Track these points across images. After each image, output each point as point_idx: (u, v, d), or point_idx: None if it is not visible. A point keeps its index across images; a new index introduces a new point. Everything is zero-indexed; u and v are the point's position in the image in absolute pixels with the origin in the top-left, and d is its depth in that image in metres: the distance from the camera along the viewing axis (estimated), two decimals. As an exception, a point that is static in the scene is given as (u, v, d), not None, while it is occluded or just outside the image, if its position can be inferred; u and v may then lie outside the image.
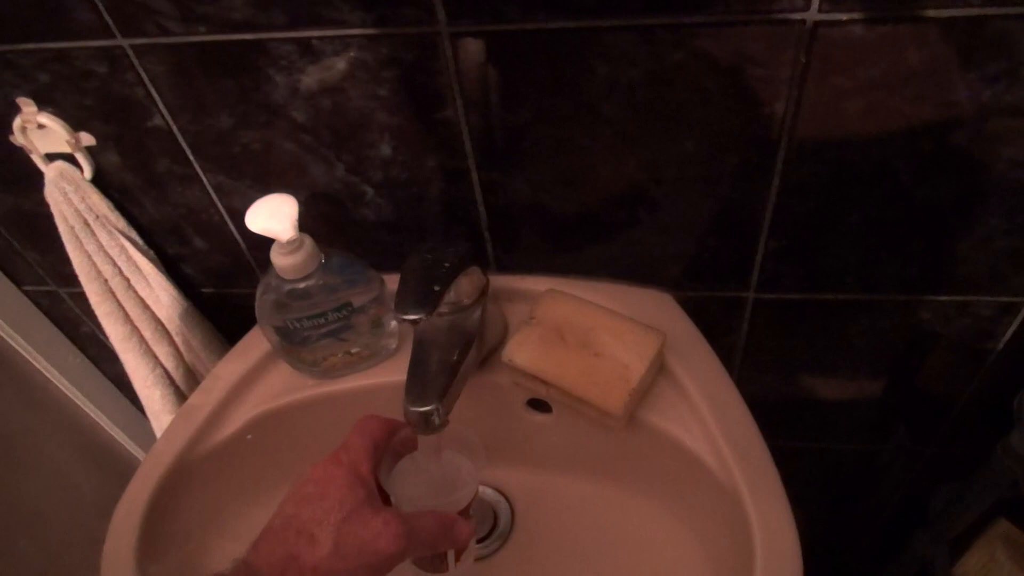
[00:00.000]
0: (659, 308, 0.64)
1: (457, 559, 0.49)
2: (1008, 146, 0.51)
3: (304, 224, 0.56)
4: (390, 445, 0.49)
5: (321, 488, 0.42)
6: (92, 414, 0.91)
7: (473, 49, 0.50)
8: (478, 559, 0.66)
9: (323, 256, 0.57)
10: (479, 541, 0.67)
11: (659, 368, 0.60)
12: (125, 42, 0.54)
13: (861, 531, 1.03)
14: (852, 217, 0.58)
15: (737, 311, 0.68)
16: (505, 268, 0.67)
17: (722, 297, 0.67)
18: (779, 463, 0.55)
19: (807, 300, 0.66)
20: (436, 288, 0.48)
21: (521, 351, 0.59)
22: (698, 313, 0.65)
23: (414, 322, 0.47)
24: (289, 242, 0.54)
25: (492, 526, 0.68)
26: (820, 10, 0.45)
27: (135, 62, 0.55)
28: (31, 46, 0.55)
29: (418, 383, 0.53)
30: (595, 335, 0.59)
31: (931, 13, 0.44)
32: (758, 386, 0.77)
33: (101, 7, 0.51)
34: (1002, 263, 0.60)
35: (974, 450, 0.79)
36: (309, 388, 0.65)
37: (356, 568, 0.40)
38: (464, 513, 0.49)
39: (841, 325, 0.68)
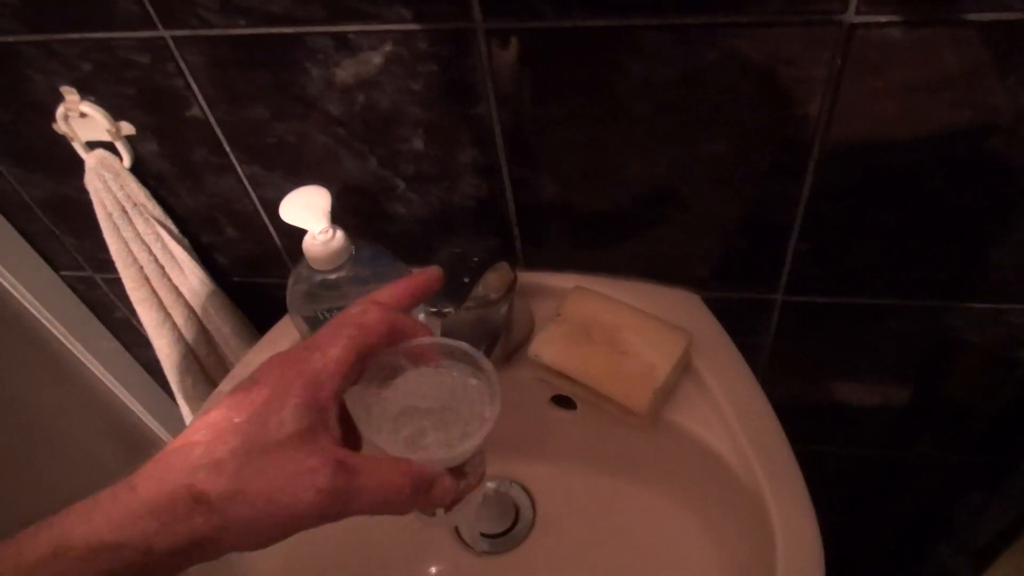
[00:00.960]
0: (686, 308, 0.64)
1: (447, 508, 0.40)
2: (1046, 152, 0.50)
3: (336, 216, 0.57)
4: (386, 354, 0.38)
5: (259, 400, 0.33)
6: (123, 398, 0.93)
7: (508, 46, 0.51)
8: (498, 553, 0.67)
9: (354, 248, 0.58)
10: (500, 535, 0.67)
11: (685, 368, 0.60)
12: (166, 33, 0.55)
13: (884, 539, 1.02)
14: (884, 221, 0.57)
15: (765, 313, 0.68)
16: (533, 264, 0.68)
17: (750, 299, 0.67)
18: (802, 467, 0.54)
19: (836, 303, 0.65)
20: (465, 281, 0.49)
21: (547, 347, 0.59)
22: (725, 314, 0.65)
23: (442, 315, 0.48)
24: (321, 233, 0.55)
25: (514, 520, 0.68)
26: (857, 12, 0.44)
27: (175, 53, 0.56)
28: (75, 36, 0.56)
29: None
30: (621, 333, 0.59)
31: (971, 17, 0.44)
32: (784, 388, 0.77)
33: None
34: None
35: (1002, 460, 0.78)
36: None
37: (260, 518, 0.31)
38: (458, 469, 0.38)
39: (870, 329, 0.68)
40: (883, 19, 0.44)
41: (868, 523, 1.00)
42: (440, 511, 0.39)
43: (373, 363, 0.37)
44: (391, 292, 0.39)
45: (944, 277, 0.61)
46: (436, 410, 0.38)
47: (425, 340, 0.38)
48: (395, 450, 0.36)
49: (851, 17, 0.45)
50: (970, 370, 0.71)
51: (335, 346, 0.35)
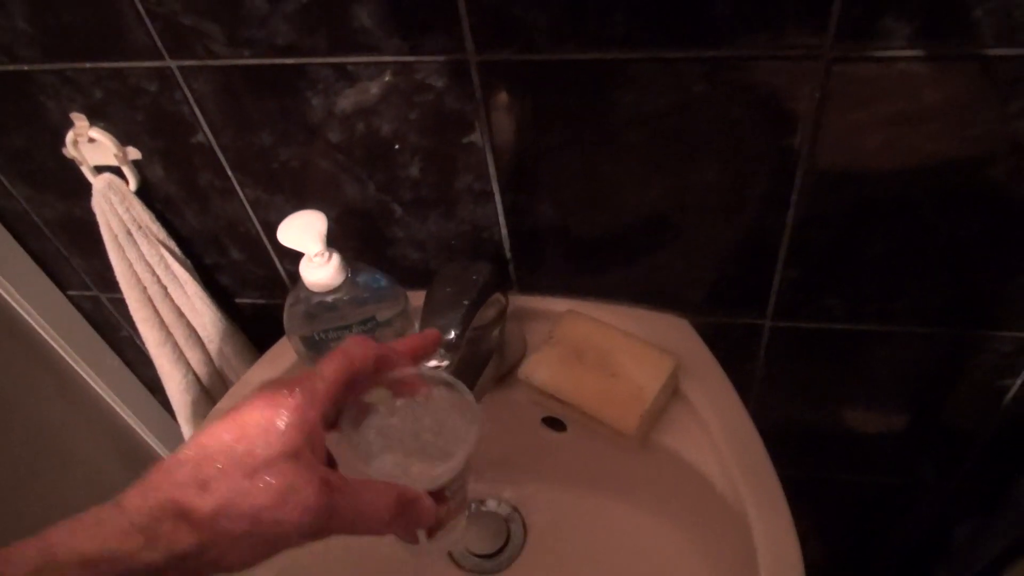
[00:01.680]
0: (676, 333, 0.65)
1: (430, 535, 0.41)
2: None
3: (335, 239, 0.58)
4: (373, 383, 0.40)
5: (249, 421, 0.34)
6: (126, 416, 0.94)
7: (500, 78, 0.53)
8: (489, 573, 0.67)
9: (350, 271, 0.59)
10: (491, 556, 0.68)
11: (673, 391, 0.61)
12: (174, 63, 0.57)
13: (881, 565, 1.02)
14: (872, 249, 0.59)
15: (754, 339, 0.69)
16: (527, 288, 0.69)
17: (739, 324, 0.68)
18: (800, 493, 0.55)
19: (825, 330, 0.66)
20: (454, 335, 0.51)
21: (539, 370, 0.61)
22: (715, 340, 0.66)
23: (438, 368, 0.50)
24: (317, 256, 0.57)
25: (505, 541, 0.69)
26: (834, 47, 0.46)
27: (182, 82, 0.58)
28: (88, 65, 0.58)
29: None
30: (612, 357, 0.60)
31: (943, 52, 0.45)
32: (778, 414, 0.78)
33: (153, 30, 0.55)
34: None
35: (999, 486, 0.78)
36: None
37: (245, 535, 0.32)
38: (440, 494, 0.40)
39: (860, 356, 0.69)
40: (858, 55, 0.46)
41: (865, 549, 1.00)
42: (423, 538, 0.40)
43: (358, 393, 0.38)
44: (391, 345, 0.41)
45: (931, 305, 0.62)
46: (418, 437, 0.40)
47: (408, 370, 0.40)
48: (378, 474, 0.37)
49: (828, 52, 0.46)
50: (960, 397, 0.71)
51: (325, 372, 0.37)
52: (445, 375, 0.41)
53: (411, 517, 0.37)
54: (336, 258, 0.57)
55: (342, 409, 0.38)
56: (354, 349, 0.38)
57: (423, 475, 0.39)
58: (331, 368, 0.37)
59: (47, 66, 0.59)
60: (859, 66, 0.47)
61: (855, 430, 0.78)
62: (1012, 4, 0.42)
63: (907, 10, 0.44)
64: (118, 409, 0.93)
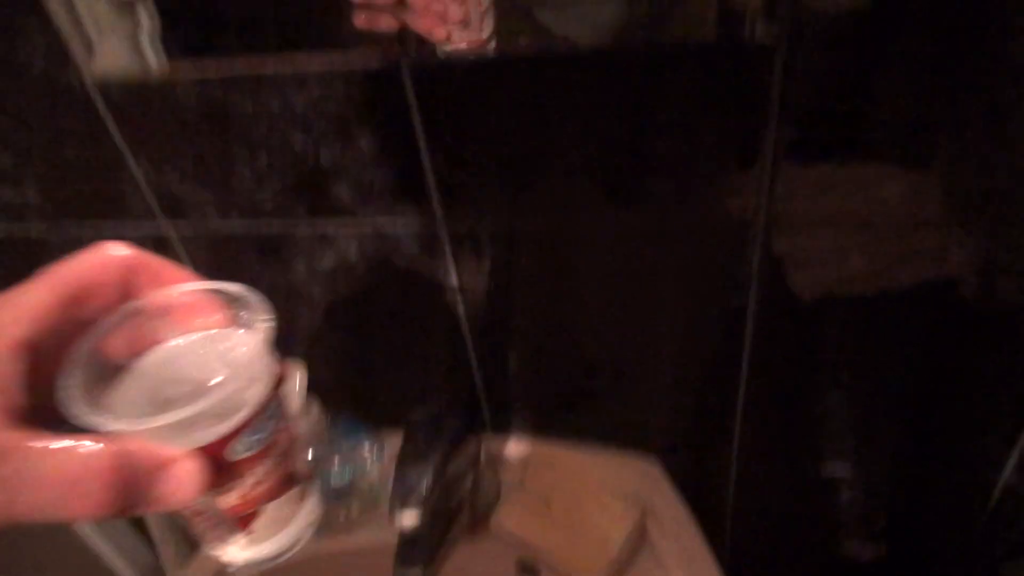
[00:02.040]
0: (643, 476, 0.67)
1: (244, 524, 0.28)
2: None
3: (320, 384, 0.61)
4: (131, 310, 0.27)
5: None
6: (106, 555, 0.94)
7: (466, 243, 0.57)
8: None
9: (329, 419, 0.62)
10: None
11: (640, 538, 0.62)
12: (171, 228, 0.62)
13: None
14: (825, 398, 0.61)
15: (723, 475, 0.70)
16: (500, 429, 0.71)
17: (707, 461, 0.69)
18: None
19: (791, 468, 0.68)
20: (426, 487, 0.53)
21: (510, 517, 0.62)
22: (685, 477, 0.67)
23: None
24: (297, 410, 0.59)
25: None
26: (767, 218, 0.50)
27: (177, 243, 0.63)
28: (91, 230, 0.63)
29: (407, 548, 0.56)
30: (580, 505, 0.62)
31: (869, 220, 0.49)
32: (755, 549, 0.78)
33: (152, 197, 0.60)
34: (1002, 418, 0.62)
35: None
36: (310, 546, 0.67)
37: None
38: (219, 457, 0.26)
39: (830, 491, 0.70)
40: (793, 224, 0.50)
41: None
42: (239, 537, 0.28)
43: (98, 314, 0.27)
44: (164, 261, 0.29)
45: (889, 448, 0.64)
46: (186, 377, 0.28)
47: (182, 287, 0.29)
48: (105, 427, 0.24)
49: (762, 220, 0.50)
50: (933, 525, 0.72)
51: (29, 284, 0.26)
52: (235, 288, 0.29)
53: (155, 491, 0.24)
54: (315, 409, 0.60)
55: (70, 337, 0.26)
56: (87, 253, 0.27)
57: (176, 427, 0.25)
58: (41, 278, 0.26)
59: (53, 226, 0.64)
60: (793, 240, 0.51)
61: (832, 557, 0.78)
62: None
63: (827, 186, 0.48)
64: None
